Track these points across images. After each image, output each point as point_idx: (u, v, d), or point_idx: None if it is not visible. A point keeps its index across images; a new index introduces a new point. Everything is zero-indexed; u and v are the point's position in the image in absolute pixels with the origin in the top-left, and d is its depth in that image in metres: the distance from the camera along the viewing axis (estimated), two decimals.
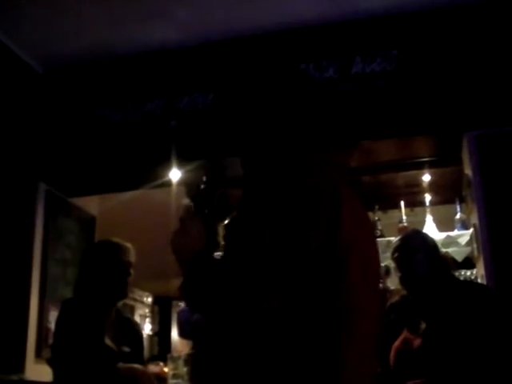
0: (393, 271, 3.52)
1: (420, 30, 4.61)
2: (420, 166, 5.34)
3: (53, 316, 4.75)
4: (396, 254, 3.32)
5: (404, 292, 3.37)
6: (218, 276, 1.53)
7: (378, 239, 5.52)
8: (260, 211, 1.57)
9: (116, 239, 3.36)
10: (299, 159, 1.67)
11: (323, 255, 1.51)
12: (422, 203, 5.91)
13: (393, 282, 4.39)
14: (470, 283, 4.08)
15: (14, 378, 4.45)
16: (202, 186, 1.84)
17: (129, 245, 3.35)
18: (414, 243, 3.31)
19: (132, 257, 3.32)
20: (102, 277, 3.21)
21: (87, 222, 5.82)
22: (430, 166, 5.32)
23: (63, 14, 4.59)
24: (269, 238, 1.49)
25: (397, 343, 3.19)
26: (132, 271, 3.31)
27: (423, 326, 3.11)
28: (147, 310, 8.58)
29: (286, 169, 1.64)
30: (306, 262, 1.50)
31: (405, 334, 3.17)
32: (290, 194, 1.54)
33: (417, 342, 3.10)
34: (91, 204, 5.90)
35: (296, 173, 1.61)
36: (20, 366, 4.73)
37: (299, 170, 1.62)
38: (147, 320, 8.46)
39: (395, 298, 3.53)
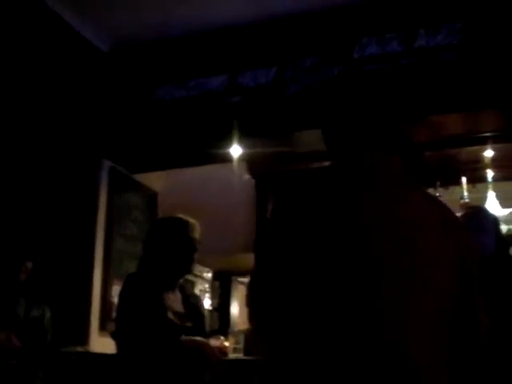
0: None
1: (485, 2, 4.49)
2: (484, 141, 5.24)
3: (116, 290, 4.82)
4: None
5: None
6: None
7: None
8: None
9: (183, 216, 3.38)
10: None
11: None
12: (484, 179, 5.82)
13: None
14: None
15: (79, 349, 4.56)
16: None
17: (195, 221, 3.36)
18: (482, 223, 3.22)
19: (198, 233, 3.33)
20: (169, 252, 3.22)
21: (150, 198, 5.89)
22: (494, 140, 5.21)
23: None
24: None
25: None
26: (198, 247, 3.32)
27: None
28: (207, 286, 8.64)
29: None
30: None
31: None
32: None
33: None
34: (154, 180, 5.97)
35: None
36: (85, 339, 4.85)
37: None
38: (207, 295, 8.54)
39: None
